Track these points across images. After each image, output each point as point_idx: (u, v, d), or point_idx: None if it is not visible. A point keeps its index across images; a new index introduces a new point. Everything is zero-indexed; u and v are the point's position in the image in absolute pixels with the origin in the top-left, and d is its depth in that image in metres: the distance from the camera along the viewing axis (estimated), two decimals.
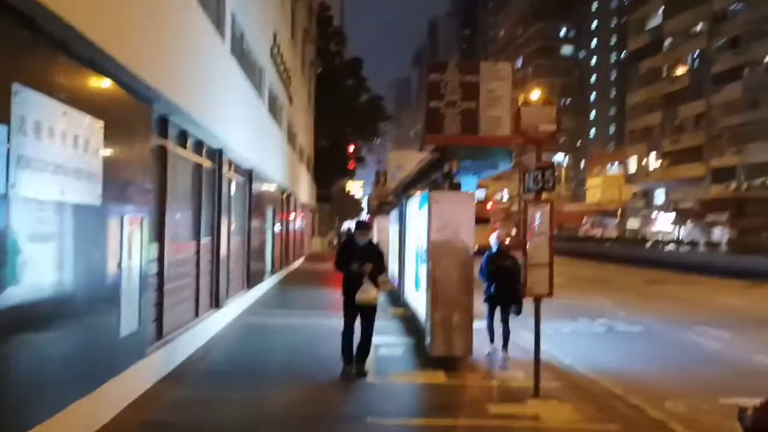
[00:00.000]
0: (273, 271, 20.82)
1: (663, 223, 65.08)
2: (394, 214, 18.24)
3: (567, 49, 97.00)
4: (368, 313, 8.61)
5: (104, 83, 6.11)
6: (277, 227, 21.97)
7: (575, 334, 13.00)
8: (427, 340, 9.37)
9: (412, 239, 13.05)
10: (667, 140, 65.93)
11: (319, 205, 49.18)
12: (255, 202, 16.48)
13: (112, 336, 6.34)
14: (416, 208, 12.09)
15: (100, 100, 6.02)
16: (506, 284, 9.81)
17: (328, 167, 49.63)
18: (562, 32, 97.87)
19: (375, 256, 8.59)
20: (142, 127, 7.26)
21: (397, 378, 8.54)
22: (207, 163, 11.31)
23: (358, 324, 8.69)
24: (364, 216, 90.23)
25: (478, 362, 9.46)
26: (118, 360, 6.50)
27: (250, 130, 14.96)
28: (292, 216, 27.79)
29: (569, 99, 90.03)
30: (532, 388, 7.68)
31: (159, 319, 8.38)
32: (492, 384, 8.54)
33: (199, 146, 10.73)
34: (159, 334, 8.36)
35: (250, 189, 15.74)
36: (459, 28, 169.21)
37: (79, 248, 5.59)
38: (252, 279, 15.82)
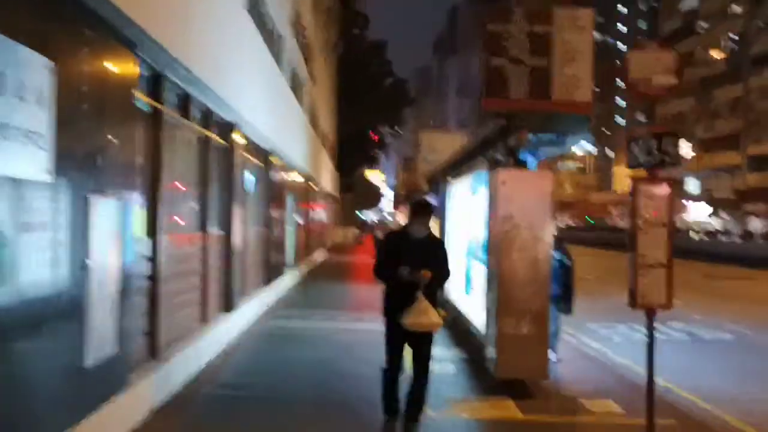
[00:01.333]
0: (295, 265, 18.99)
1: (696, 213, 62.80)
2: (435, 199, 16.31)
3: (594, 35, 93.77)
4: (423, 345, 5.71)
5: (56, 7, 4.24)
6: (299, 217, 20.13)
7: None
8: (489, 355, 7.45)
9: (458, 230, 11.11)
10: (701, 127, 63.33)
11: (341, 195, 47.31)
12: (274, 188, 14.62)
13: (70, 365, 4.47)
14: (466, 193, 10.16)
15: (49, 31, 4.15)
16: (558, 281, 8.03)
17: (350, 155, 47.76)
18: None
19: (438, 257, 5.76)
20: (121, 80, 5.38)
21: (458, 409, 6.61)
22: (217, 139, 9.44)
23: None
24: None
25: (554, 384, 7.53)
26: (82, 399, 4.64)
27: (268, 104, 13.07)
28: (314, 205, 25.96)
29: (596, 85, 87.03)
30: (644, 429, 5.72)
31: (152, 333, 6.54)
32: (585, 420, 6.57)
33: (206, 117, 8.87)
34: (152, 352, 6.52)
35: (270, 173, 13.86)
36: (479, 14, 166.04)
37: (16, 243, 3.74)
38: (271, 274, 13.98)
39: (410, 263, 5.44)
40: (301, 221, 20.64)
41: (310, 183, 23.10)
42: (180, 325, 7.53)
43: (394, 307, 5.56)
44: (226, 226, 10.00)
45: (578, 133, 7.92)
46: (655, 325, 12.30)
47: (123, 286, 5.27)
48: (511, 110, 7.63)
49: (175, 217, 7.63)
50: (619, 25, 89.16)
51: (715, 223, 55.47)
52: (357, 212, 61.97)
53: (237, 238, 10.48)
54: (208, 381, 7.40)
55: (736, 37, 59.91)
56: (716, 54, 61.90)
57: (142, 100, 6.28)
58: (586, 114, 7.85)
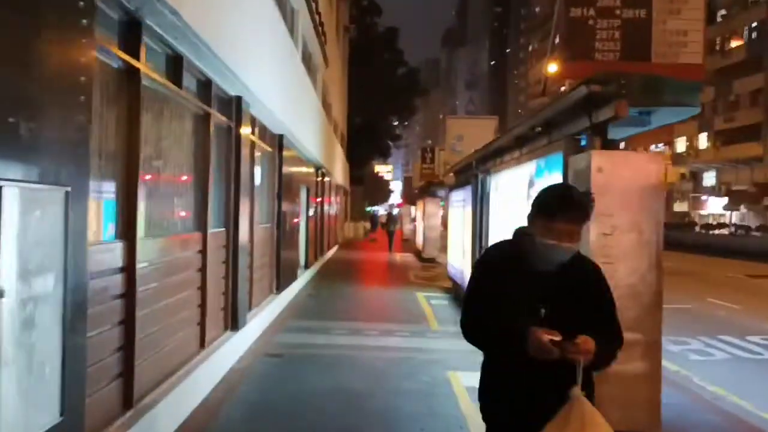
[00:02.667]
0: (307, 266, 17.22)
1: (714, 207, 60.85)
2: (459, 195, 14.46)
3: None
4: None
5: None
6: (311, 211, 18.34)
7: (738, 362, 9.21)
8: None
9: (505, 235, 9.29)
10: (720, 118, 61.17)
11: (352, 188, 45.54)
12: (287, 179, 12.82)
13: None
14: (520, 186, 8.34)
15: None
16: None
17: (360, 146, 46.01)
18: None
19: (599, 303, 2.83)
20: (71, 15, 3.55)
21: None
22: (218, 116, 7.65)
23: None
24: (395, 200, 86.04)
25: None
26: None
27: (281, 81, 11.24)
28: (327, 198, 24.19)
29: None
30: None
31: (126, 374, 4.76)
32: None
33: (205, 87, 7.07)
34: (126, 400, 4.74)
35: (281, 161, 12.06)
36: (490, 5, 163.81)
37: None
38: (283, 279, 12.20)
39: (548, 319, 2.63)
40: (314, 216, 18.85)
41: (323, 174, 21.30)
42: (167, 356, 5.75)
43: (515, 410, 2.73)
44: (231, 223, 8.21)
45: (685, 105, 6.08)
46: (733, 340, 10.41)
47: (71, 314, 3.47)
48: (598, 75, 5.84)
49: (162, 213, 5.85)
50: None
51: (733, 217, 53.65)
52: (367, 207, 60.27)
53: (244, 238, 8.70)
54: (203, 428, 5.62)
55: (757, 26, 57.74)
56: (735, 43, 59.76)
57: (111, 51, 4.50)
58: (696, 80, 6.04)
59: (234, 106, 8.22)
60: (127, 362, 4.74)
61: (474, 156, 12.29)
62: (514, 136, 8.71)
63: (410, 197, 49.36)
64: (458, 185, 15.12)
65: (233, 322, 8.05)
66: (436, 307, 13.06)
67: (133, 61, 4.81)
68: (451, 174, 17.38)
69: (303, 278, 15.86)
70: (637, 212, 5.30)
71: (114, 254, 4.59)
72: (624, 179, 5.34)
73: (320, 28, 18.40)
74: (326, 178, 22.86)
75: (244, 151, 8.78)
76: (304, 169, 16.41)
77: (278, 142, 11.92)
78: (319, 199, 20.34)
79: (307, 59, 16.23)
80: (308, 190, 17.46)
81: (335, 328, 10.61)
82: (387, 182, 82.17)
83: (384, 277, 19.99)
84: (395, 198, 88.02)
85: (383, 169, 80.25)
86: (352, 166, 44.06)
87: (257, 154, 10.01)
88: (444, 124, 23.09)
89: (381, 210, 71.91)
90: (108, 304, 4.48)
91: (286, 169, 12.74)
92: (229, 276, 8.06)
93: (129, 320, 4.77)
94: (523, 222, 2.89)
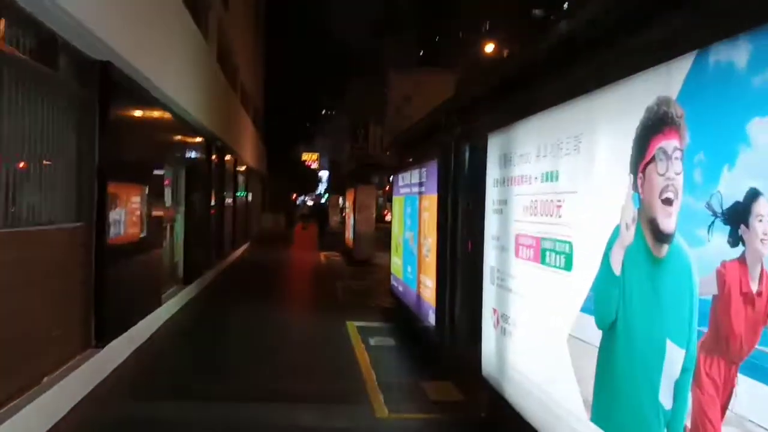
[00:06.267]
0: (188, 279, 11.94)
1: None
2: (411, 178, 9.55)
3: None
4: None
5: None
6: (198, 200, 13.03)
7: None
8: None
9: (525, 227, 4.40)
10: None
11: (271, 174, 39.98)
12: (127, 143, 7.59)
13: None
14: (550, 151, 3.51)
15: None
16: None
17: (281, 129, 40.56)
18: None
19: None
20: None
21: None
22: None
23: None
24: (321, 189, 79.96)
25: None
26: None
27: None
28: (230, 184, 18.82)
29: None
30: None
31: None
32: None
33: None
34: None
35: (105, 111, 6.79)
36: None
37: None
38: (111, 320, 6.94)
39: None
40: (202, 207, 13.52)
41: (219, 149, 15.92)
42: None
43: None
44: None
45: None
46: None
47: None
48: None
49: None
50: None
51: None
52: (293, 196, 54.72)
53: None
54: None
55: None
56: None
57: None
58: None
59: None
60: None
61: (448, 106, 7.32)
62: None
63: (338, 185, 44.11)
64: (408, 164, 10.19)
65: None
66: (378, 354, 8.13)
67: None
68: (395, 151, 12.43)
69: (175, 302, 10.58)
70: None
71: None
72: None
73: None
74: (227, 156, 17.49)
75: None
76: (178, 137, 11.09)
77: (99, 74, 6.68)
78: (213, 184, 14.99)
79: None
80: (192, 171, 12.18)
81: (200, 422, 5.52)
82: (315, 171, 76.57)
83: (300, 293, 14.87)
84: (323, 187, 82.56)
85: (310, 158, 74.75)
86: (272, 151, 38.60)
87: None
88: (386, 87, 17.87)
89: (308, 200, 66.45)
90: None
91: (125, 127, 7.50)
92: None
93: None
94: None
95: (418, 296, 8.67)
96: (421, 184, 8.77)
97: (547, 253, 4.16)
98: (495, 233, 5.31)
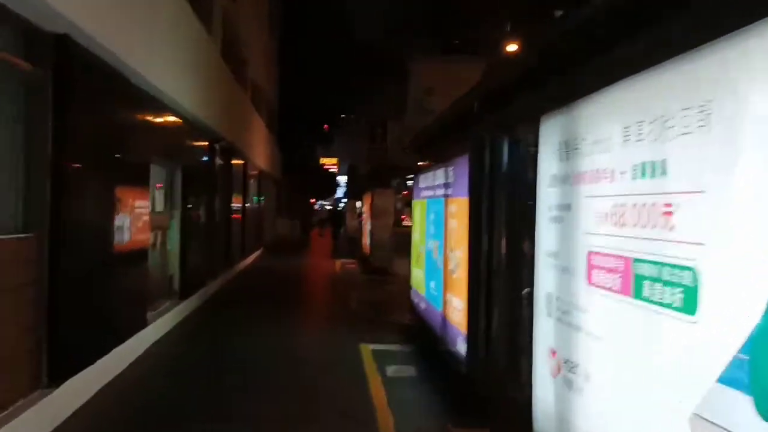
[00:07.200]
0: (185, 293, 10.69)
1: None
2: (434, 180, 8.22)
3: None
4: None
5: None
6: (198, 206, 11.80)
7: None
8: None
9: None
10: None
11: (287, 178, 38.77)
12: (97, 137, 6.37)
13: None
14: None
15: None
16: None
17: (298, 132, 39.39)
18: None
19: None
20: None
21: None
22: None
23: None
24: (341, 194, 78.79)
25: None
26: None
27: None
28: (239, 188, 17.61)
29: None
30: None
31: None
32: None
33: None
34: None
35: (63, 95, 5.55)
36: None
37: None
38: (65, 356, 5.65)
39: None
40: (203, 213, 12.28)
41: (225, 150, 14.69)
42: None
43: None
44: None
45: None
46: None
47: None
48: None
49: None
50: None
51: None
52: (311, 200, 53.56)
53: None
54: None
55: None
56: None
57: None
58: None
59: None
60: None
61: (483, 90, 5.97)
62: None
63: (356, 190, 42.81)
64: (431, 162, 8.87)
65: None
66: (397, 389, 6.79)
67: None
68: (416, 149, 11.09)
69: (166, 321, 9.33)
70: None
71: None
72: None
73: None
74: (234, 158, 16.26)
75: None
76: (170, 133, 9.84)
77: (56, 50, 5.44)
78: (217, 188, 13.75)
79: None
80: (191, 172, 10.93)
81: None
82: (333, 174, 75.30)
83: (310, 306, 13.56)
84: (342, 192, 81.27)
85: (329, 162, 73.44)
86: (288, 155, 37.41)
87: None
88: (407, 80, 16.30)
89: (326, 205, 65.19)
90: None
91: (92, 116, 6.25)
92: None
93: None
94: None
95: (444, 318, 7.32)
96: (446, 185, 7.45)
97: (646, 282, 2.81)
98: (552, 249, 3.96)
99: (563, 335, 3.76)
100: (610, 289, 3.17)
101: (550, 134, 4.08)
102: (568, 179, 3.75)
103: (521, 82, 4.52)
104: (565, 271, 3.74)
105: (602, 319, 3.29)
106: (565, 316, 3.74)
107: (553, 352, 3.93)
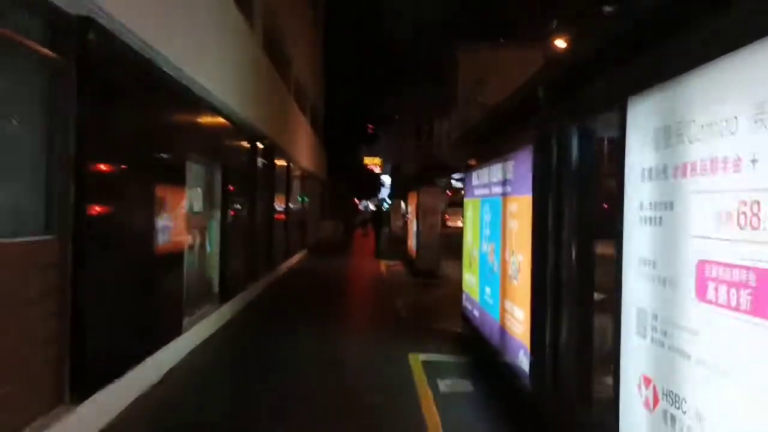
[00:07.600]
0: (226, 296, 10.26)
1: None
2: (490, 176, 7.58)
3: None
4: None
5: None
6: (241, 206, 11.37)
7: None
8: None
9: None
10: None
11: (331, 179, 38.40)
12: (130, 130, 5.92)
13: None
14: None
15: None
16: None
17: (344, 134, 38.99)
18: None
19: None
20: None
21: None
22: None
23: None
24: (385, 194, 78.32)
25: None
26: None
27: None
28: (283, 188, 17.19)
29: None
30: None
31: None
32: None
33: None
34: None
35: (90, 86, 5.10)
36: None
37: None
38: (91, 370, 5.20)
39: None
40: (246, 213, 11.85)
41: (268, 149, 14.27)
42: None
43: None
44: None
45: None
46: None
47: None
48: None
49: None
50: None
51: None
52: (355, 200, 53.20)
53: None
54: None
55: None
56: None
57: None
58: None
59: None
60: None
61: (550, 72, 5.33)
62: None
63: (401, 189, 42.24)
64: (485, 158, 8.22)
65: None
66: (452, 408, 6.17)
67: None
68: (467, 144, 10.44)
69: (205, 327, 8.88)
70: None
71: None
72: None
73: None
74: (277, 158, 15.83)
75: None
76: (207, 130, 9.40)
77: (78, 36, 4.99)
78: (258, 188, 13.32)
79: None
80: (231, 171, 10.49)
81: None
82: (377, 175, 74.84)
83: (355, 311, 12.98)
84: (386, 192, 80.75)
85: (372, 162, 73.05)
86: (333, 155, 37.05)
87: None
88: (455, 72, 15.42)
89: (371, 205, 64.77)
90: None
91: (121, 108, 5.81)
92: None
93: None
94: None
95: (502, 329, 6.67)
96: (504, 183, 6.80)
97: None
98: (647, 255, 3.30)
99: (663, 361, 3.10)
100: (734, 308, 2.51)
101: (640, 119, 3.42)
102: (668, 172, 3.09)
103: (602, 58, 3.86)
104: (665, 283, 3.08)
105: (722, 346, 2.62)
106: (666, 338, 3.07)
107: (647, 380, 3.26)
